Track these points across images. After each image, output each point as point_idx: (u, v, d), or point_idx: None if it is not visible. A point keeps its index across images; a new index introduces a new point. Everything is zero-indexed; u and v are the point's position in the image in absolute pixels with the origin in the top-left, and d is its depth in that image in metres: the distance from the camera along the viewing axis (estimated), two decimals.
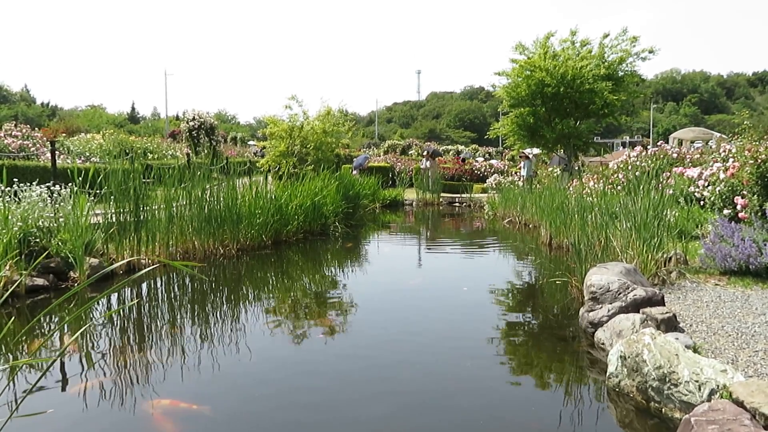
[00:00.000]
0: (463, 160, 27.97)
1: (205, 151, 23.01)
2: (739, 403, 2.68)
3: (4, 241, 5.85)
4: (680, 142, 31.29)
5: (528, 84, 16.31)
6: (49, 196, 6.98)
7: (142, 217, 7.75)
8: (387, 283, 7.52)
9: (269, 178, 12.67)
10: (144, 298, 6.50)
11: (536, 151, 19.66)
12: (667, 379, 3.14)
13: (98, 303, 6.18)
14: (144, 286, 7.01)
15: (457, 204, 20.63)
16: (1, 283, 5.69)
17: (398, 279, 7.88)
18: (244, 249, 9.16)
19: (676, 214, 7.68)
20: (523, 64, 16.59)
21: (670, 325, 4.20)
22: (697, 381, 3.01)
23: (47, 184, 7.16)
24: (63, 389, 3.75)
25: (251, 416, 3.41)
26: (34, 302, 5.86)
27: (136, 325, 5.38)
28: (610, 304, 4.65)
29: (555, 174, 16.86)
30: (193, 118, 26.55)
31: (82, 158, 15.66)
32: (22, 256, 6.17)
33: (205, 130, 26.47)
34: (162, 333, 5.09)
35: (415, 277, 8.16)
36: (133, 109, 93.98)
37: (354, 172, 19.81)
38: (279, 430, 3.25)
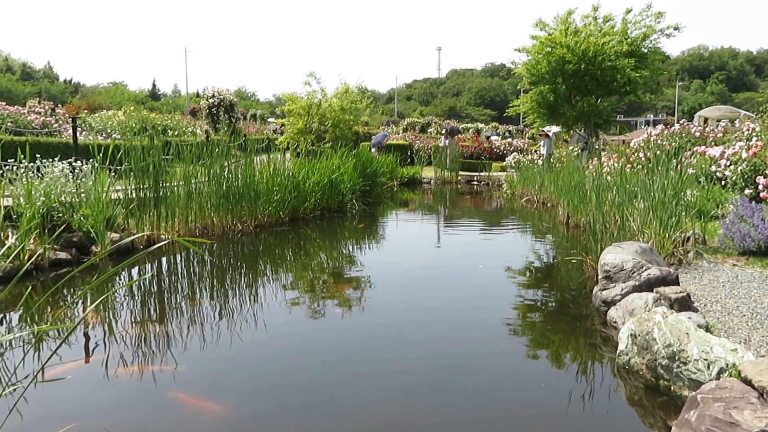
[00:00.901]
0: (487, 138, 27.77)
1: (225, 128, 23.12)
2: (747, 382, 2.68)
3: (28, 215, 5.99)
4: (705, 121, 30.64)
5: (548, 61, 16.08)
6: (71, 172, 7.10)
7: (161, 193, 7.86)
8: (402, 260, 7.56)
9: (287, 155, 12.72)
10: (163, 272, 6.63)
11: (556, 129, 19.42)
12: (677, 357, 3.15)
13: (119, 277, 6.32)
14: (164, 260, 7.15)
15: (475, 182, 20.56)
16: (26, 257, 5.85)
17: (414, 256, 7.92)
18: (261, 225, 9.26)
19: (696, 193, 7.57)
20: (543, 40, 16.34)
21: (683, 304, 4.18)
22: (706, 359, 3.01)
23: (69, 160, 7.28)
24: (83, 357, 3.87)
25: (266, 388, 3.49)
26: (57, 275, 6.01)
27: (155, 297, 5.50)
28: (624, 282, 4.64)
29: (574, 153, 16.68)
30: (213, 95, 26.63)
31: (103, 135, 15.85)
32: (45, 231, 6.32)
33: (225, 107, 26.55)
34: (180, 305, 5.21)
35: (431, 254, 8.20)
36: (154, 86, 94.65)
37: (372, 149, 19.79)
38: (292, 400, 3.32)
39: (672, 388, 3.20)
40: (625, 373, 3.53)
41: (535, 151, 20.82)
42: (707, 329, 3.73)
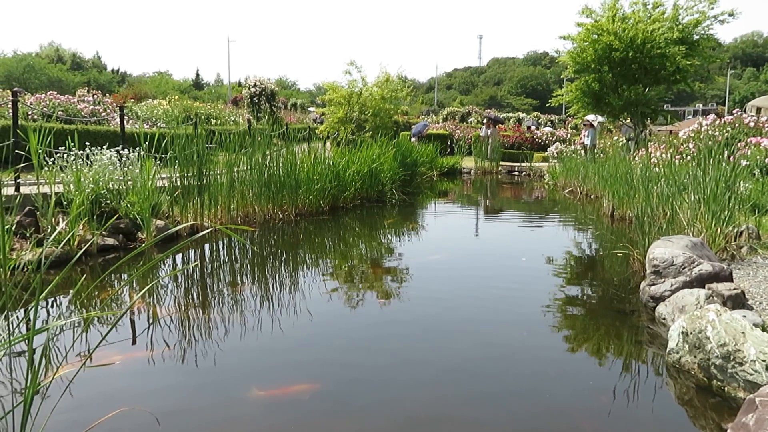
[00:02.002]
0: (528, 128, 27.33)
1: (266, 117, 23.35)
2: None
3: (77, 202, 6.15)
4: (759, 111, 29.45)
5: (594, 49, 15.63)
6: (119, 160, 7.27)
7: (204, 181, 7.98)
8: (443, 251, 7.50)
9: (327, 144, 12.77)
10: (206, 259, 6.74)
11: (601, 119, 18.95)
12: (732, 357, 3.02)
13: (164, 263, 6.45)
14: (207, 247, 7.26)
15: (516, 173, 20.27)
16: (75, 242, 6.02)
17: (455, 247, 7.85)
18: (302, 214, 9.32)
19: (750, 186, 7.27)
20: (589, 27, 15.89)
21: (737, 301, 4.02)
22: (764, 360, 2.88)
23: (116, 148, 7.45)
24: (131, 342, 3.95)
25: (309, 375, 3.50)
26: (105, 260, 6.17)
27: (199, 284, 5.59)
28: (674, 278, 4.49)
29: (620, 143, 16.25)
30: (255, 85, 26.95)
31: (149, 123, 16.19)
32: (94, 217, 6.48)
33: (266, 97, 26.85)
34: (223, 293, 5.28)
35: (472, 245, 8.11)
36: (197, 75, 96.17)
37: (413, 139, 19.72)
38: (331, 387, 3.32)
39: (726, 389, 3.08)
40: (676, 372, 3.41)
41: (578, 141, 20.39)
42: (763, 329, 3.57)
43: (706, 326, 3.22)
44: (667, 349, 3.54)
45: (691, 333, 3.31)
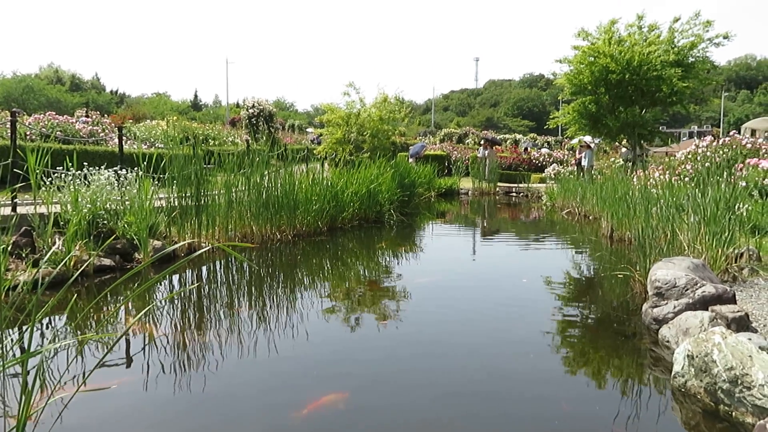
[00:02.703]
0: (525, 150, 27.47)
1: (264, 138, 23.40)
2: None
3: (75, 222, 6.11)
4: (753, 133, 29.66)
5: (591, 71, 15.77)
6: (116, 180, 7.24)
7: (202, 201, 7.95)
8: (442, 273, 7.45)
9: (326, 165, 12.77)
10: (204, 280, 6.67)
11: (588, 139, 19.07)
12: (739, 382, 2.97)
13: (160, 283, 6.38)
14: (204, 268, 7.20)
15: (513, 194, 20.29)
16: (72, 263, 5.95)
17: (454, 268, 7.80)
18: (300, 235, 9.27)
19: (750, 207, 7.26)
20: (586, 50, 16.04)
21: (741, 324, 3.98)
22: None
23: (114, 168, 7.42)
24: (126, 365, 3.88)
25: (304, 397, 3.43)
26: (101, 281, 6.10)
27: (195, 305, 5.52)
28: (677, 300, 4.45)
29: (617, 164, 16.30)
30: (253, 106, 27.08)
31: (147, 144, 16.20)
32: (91, 237, 6.43)
33: (264, 118, 26.97)
34: (220, 314, 5.21)
35: (471, 267, 8.06)
36: (195, 96, 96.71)
37: (410, 160, 19.79)
38: (327, 412, 3.25)
39: (733, 414, 3.02)
40: (681, 396, 3.35)
41: (572, 162, 20.51)
42: None
43: (712, 349, 3.17)
44: (673, 373, 3.48)
45: (696, 356, 3.26)
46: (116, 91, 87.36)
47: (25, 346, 3.83)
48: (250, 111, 26.92)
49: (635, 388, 3.67)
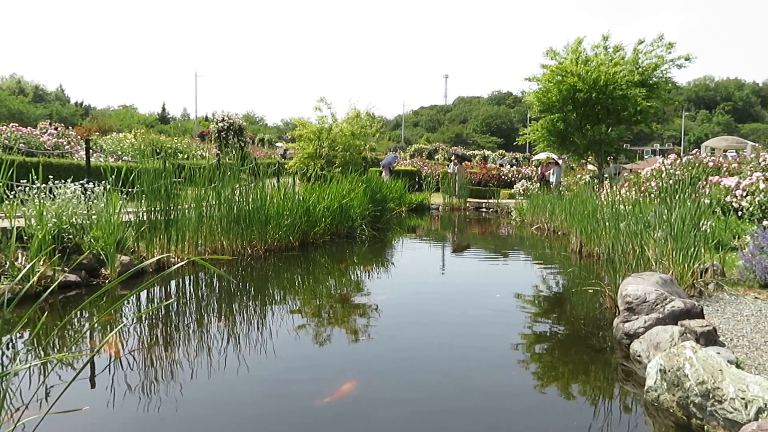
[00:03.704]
0: (500, 166, 27.87)
1: (233, 152, 23.22)
2: None
3: (39, 237, 5.93)
4: (713, 151, 30.63)
5: (559, 89, 16.10)
6: (83, 194, 7.07)
7: (172, 216, 7.81)
8: (414, 288, 7.45)
9: (296, 179, 12.71)
10: (173, 296, 6.53)
11: (555, 157, 19.49)
12: (711, 395, 3.02)
13: (128, 300, 6.23)
14: (173, 284, 7.06)
15: (483, 209, 20.48)
16: (36, 278, 5.77)
17: (425, 283, 7.81)
18: (271, 250, 9.18)
19: (713, 224, 7.46)
20: (554, 69, 16.38)
21: (709, 338, 4.06)
22: (743, 398, 2.88)
23: (81, 182, 7.25)
24: (93, 386, 3.76)
25: (272, 416, 3.37)
26: (66, 297, 5.93)
27: (164, 323, 5.40)
28: (647, 315, 4.52)
29: (585, 180, 16.62)
30: (223, 119, 26.83)
31: (114, 157, 15.90)
32: (56, 252, 6.25)
33: (234, 131, 26.73)
34: (190, 332, 5.10)
35: (443, 283, 8.08)
36: (163, 109, 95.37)
37: (384, 174, 19.81)
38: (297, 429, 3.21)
39: (705, 427, 3.06)
40: (654, 410, 3.39)
41: (534, 178, 21.00)
42: (737, 365, 3.60)
43: (684, 364, 3.23)
44: (645, 387, 3.52)
45: (669, 371, 3.31)
46: (81, 103, 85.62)
47: None
48: (220, 125, 26.67)
49: (608, 402, 3.70)
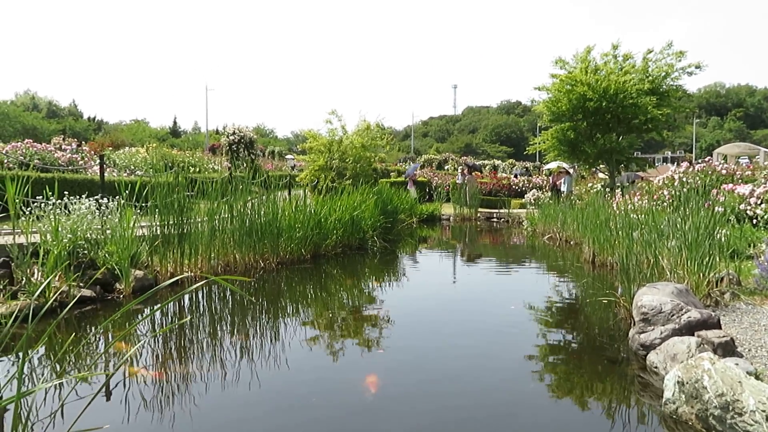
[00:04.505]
0: (516, 176, 28.03)
1: (244, 165, 23.34)
2: None
3: (55, 252, 5.99)
4: (725, 158, 30.41)
5: (569, 98, 16.09)
6: (97, 209, 7.13)
7: (185, 230, 7.85)
8: (427, 299, 7.44)
9: (307, 192, 12.76)
10: (186, 310, 6.56)
11: (566, 165, 19.46)
12: (731, 408, 2.99)
13: (141, 314, 6.26)
14: (186, 298, 7.09)
15: (495, 219, 20.42)
16: (51, 294, 5.82)
17: (438, 294, 7.79)
18: (283, 262, 9.20)
19: (728, 232, 7.40)
20: (564, 78, 16.39)
21: (727, 349, 4.02)
22: (764, 410, 2.85)
23: (96, 197, 7.32)
24: (108, 399, 3.78)
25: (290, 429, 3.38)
26: (81, 312, 5.97)
27: (179, 338, 5.42)
28: (663, 326, 4.48)
29: (596, 189, 16.54)
30: (234, 132, 27.01)
31: (127, 171, 16.05)
32: (71, 267, 6.31)
33: (245, 144, 26.88)
34: (204, 346, 5.12)
35: (456, 294, 8.06)
36: (175, 123, 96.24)
37: (409, 185, 20.65)
38: None
39: None
40: (673, 423, 3.36)
41: (546, 187, 21.05)
42: (756, 376, 3.55)
43: (702, 375, 3.19)
44: (663, 399, 3.49)
45: (687, 383, 3.28)
46: (94, 118, 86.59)
47: (1, 381, 3.72)
48: (231, 138, 26.84)
49: (626, 413, 3.67)
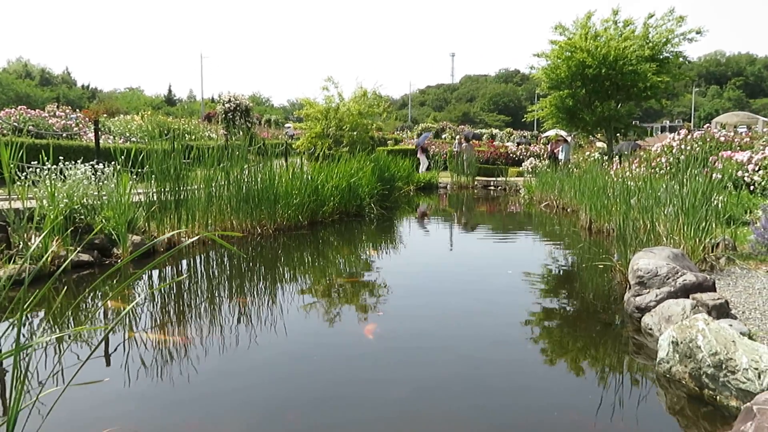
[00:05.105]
0: (518, 144, 28.02)
1: (240, 133, 23.18)
2: None
3: (51, 217, 5.98)
4: (723, 127, 30.29)
5: (568, 65, 15.92)
6: (93, 175, 7.10)
7: (181, 196, 7.84)
8: (424, 264, 7.47)
9: (304, 159, 12.70)
10: (184, 274, 6.59)
11: (564, 133, 19.41)
12: (724, 366, 3.03)
13: (141, 278, 6.29)
14: (184, 262, 7.11)
15: (492, 187, 20.42)
16: (49, 258, 5.83)
17: (434, 260, 7.83)
18: (281, 229, 9.22)
19: (725, 199, 7.41)
20: (563, 45, 16.19)
21: (721, 311, 4.06)
22: (756, 369, 2.89)
23: (91, 163, 7.28)
24: (108, 363, 3.81)
25: (283, 391, 3.42)
26: (79, 277, 5.99)
27: (176, 301, 5.45)
28: (658, 288, 4.52)
29: (594, 158, 16.50)
30: (229, 101, 26.73)
31: (123, 138, 15.95)
32: (68, 232, 6.30)
33: (241, 112, 26.64)
34: (201, 309, 5.15)
35: (453, 260, 8.10)
36: (170, 91, 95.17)
37: (419, 155, 20.80)
38: (310, 405, 3.24)
39: (718, 398, 3.08)
40: (666, 382, 3.41)
41: (545, 155, 21.07)
42: (750, 337, 3.60)
43: (696, 335, 3.23)
44: (657, 359, 3.54)
45: (681, 342, 3.31)
46: (88, 86, 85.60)
47: (0, 342, 3.75)
48: (227, 106, 26.58)
49: (620, 374, 3.72)
